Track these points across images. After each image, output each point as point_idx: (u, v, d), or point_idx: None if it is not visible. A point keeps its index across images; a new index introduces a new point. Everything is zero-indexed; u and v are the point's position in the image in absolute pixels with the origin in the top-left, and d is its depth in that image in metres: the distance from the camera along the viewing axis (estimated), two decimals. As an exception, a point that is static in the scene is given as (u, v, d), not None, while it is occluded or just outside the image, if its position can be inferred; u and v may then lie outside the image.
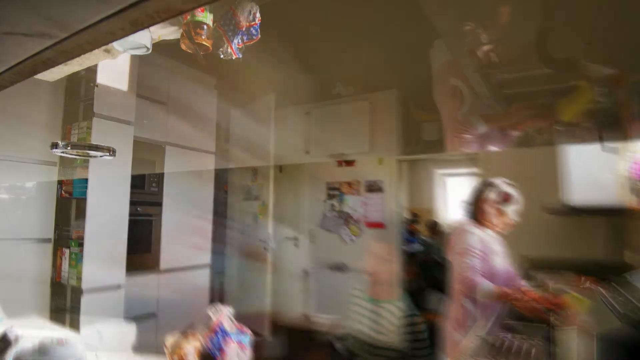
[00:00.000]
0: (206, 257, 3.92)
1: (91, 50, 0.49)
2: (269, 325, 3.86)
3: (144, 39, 0.68)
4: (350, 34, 2.47)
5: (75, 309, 3.02)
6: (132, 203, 3.33)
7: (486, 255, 1.48)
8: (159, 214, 3.48)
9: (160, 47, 1.12)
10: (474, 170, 3.82)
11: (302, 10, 2.17)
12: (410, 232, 6.49)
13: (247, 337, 1.14)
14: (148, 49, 0.69)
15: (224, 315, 1.20)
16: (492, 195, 1.64)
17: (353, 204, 4.41)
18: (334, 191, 4.59)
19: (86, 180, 2.99)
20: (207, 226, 3.97)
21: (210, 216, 4.00)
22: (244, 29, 0.71)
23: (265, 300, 4.14)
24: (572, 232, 2.94)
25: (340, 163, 4.49)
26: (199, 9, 0.65)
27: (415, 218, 6.79)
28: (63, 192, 3.27)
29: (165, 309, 3.26)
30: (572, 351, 0.53)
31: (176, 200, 3.66)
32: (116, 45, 0.62)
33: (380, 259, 1.20)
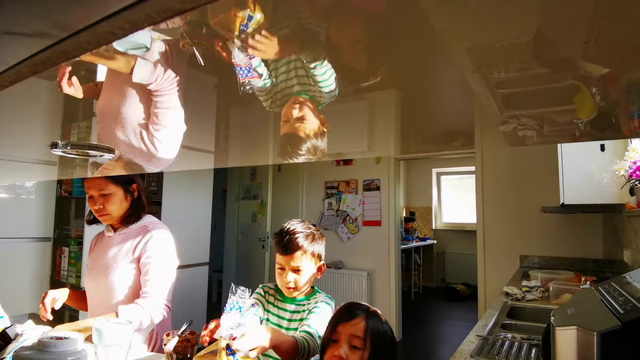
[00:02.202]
0: (205, 256, 3.93)
1: (91, 50, 0.49)
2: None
3: (144, 39, 0.68)
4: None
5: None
6: (132, 202, 3.33)
7: None
8: (158, 213, 3.48)
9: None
10: (471, 169, 3.82)
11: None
12: (407, 230, 6.51)
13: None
14: (148, 49, 0.69)
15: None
16: None
17: (351, 202, 4.43)
18: (332, 190, 4.60)
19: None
20: (206, 225, 3.98)
21: (209, 215, 4.01)
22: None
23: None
24: (570, 231, 2.95)
25: (338, 162, 4.51)
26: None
27: (412, 216, 6.82)
28: (62, 192, 3.27)
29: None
30: (571, 351, 0.53)
31: (175, 199, 3.66)
32: (116, 45, 0.62)
33: None
